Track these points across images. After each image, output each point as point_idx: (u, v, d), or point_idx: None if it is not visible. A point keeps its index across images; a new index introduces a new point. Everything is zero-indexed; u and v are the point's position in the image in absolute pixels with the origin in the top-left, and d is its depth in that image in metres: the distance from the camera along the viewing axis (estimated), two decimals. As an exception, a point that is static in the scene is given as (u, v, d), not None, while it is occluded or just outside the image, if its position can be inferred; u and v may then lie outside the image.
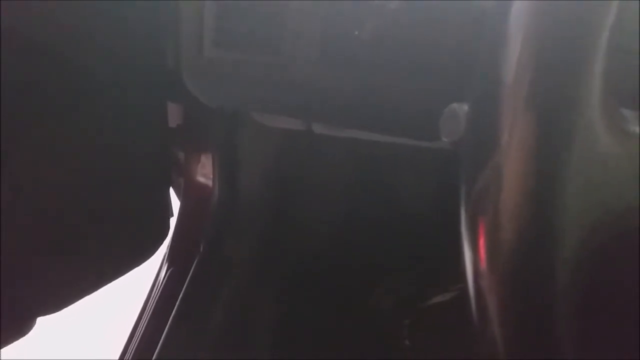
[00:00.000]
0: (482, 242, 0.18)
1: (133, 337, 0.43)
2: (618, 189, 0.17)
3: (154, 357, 0.40)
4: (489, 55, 0.18)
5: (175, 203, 0.46)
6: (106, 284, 0.37)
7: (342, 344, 0.43)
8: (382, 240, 0.43)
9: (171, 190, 0.46)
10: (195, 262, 0.43)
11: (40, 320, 0.37)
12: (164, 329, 0.42)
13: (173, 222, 0.46)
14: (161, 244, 0.41)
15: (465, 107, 0.18)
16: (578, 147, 0.17)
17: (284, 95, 0.33)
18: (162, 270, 0.44)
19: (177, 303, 0.42)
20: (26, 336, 0.36)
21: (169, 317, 0.42)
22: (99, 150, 0.37)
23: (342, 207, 0.44)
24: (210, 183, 0.44)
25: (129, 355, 0.42)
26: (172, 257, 0.44)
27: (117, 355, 0.43)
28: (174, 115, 0.43)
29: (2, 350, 0.36)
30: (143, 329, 0.43)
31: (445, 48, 0.25)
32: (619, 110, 0.18)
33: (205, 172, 0.44)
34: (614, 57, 0.17)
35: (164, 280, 0.44)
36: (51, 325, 0.41)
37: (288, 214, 0.44)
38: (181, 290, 0.43)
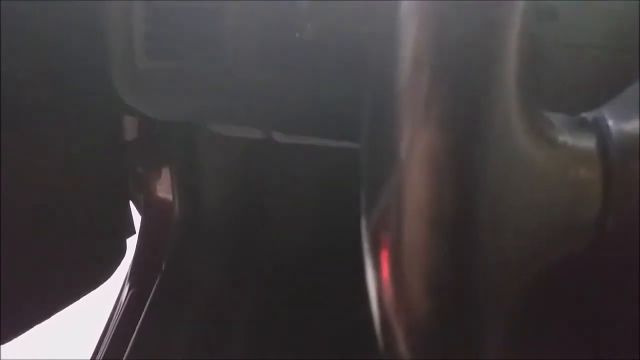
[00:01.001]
0: (385, 274, 0.15)
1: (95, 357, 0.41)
2: (548, 216, 0.14)
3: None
4: (381, 55, 0.15)
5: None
6: (56, 312, 0.36)
7: (319, 348, 0.41)
8: (354, 246, 0.41)
9: (133, 208, 0.44)
10: (156, 282, 0.41)
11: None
12: (126, 351, 0.40)
13: (134, 239, 0.44)
14: (118, 265, 0.39)
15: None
16: (493, 159, 0.14)
17: (228, 104, 0.31)
18: (123, 291, 0.42)
19: (138, 327, 0.40)
20: None
21: (130, 341, 0.40)
22: (46, 168, 0.35)
23: (311, 214, 0.42)
24: (170, 197, 0.42)
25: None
26: (133, 276, 0.42)
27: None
28: (130, 128, 0.41)
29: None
30: (105, 350, 0.41)
31: (348, 51, 0.22)
32: (545, 115, 0.15)
33: (165, 187, 0.42)
34: (536, 50, 0.15)
35: (126, 302, 0.42)
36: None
37: (253, 226, 0.42)
38: (142, 313, 0.41)
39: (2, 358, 0.36)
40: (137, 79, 0.29)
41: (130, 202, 0.43)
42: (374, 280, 0.15)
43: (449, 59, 0.14)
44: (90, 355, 0.41)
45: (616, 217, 0.14)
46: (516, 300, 0.15)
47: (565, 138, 0.15)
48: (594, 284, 0.19)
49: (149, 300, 0.41)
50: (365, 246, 0.15)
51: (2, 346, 0.35)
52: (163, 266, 0.42)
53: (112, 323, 0.41)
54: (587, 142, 0.15)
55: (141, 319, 0.40)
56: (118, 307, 0.42)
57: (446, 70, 0.14)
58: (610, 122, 0.15)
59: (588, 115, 0.16)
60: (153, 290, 0.41)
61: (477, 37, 0.14)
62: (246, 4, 0.28)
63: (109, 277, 0.39)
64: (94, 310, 0.42)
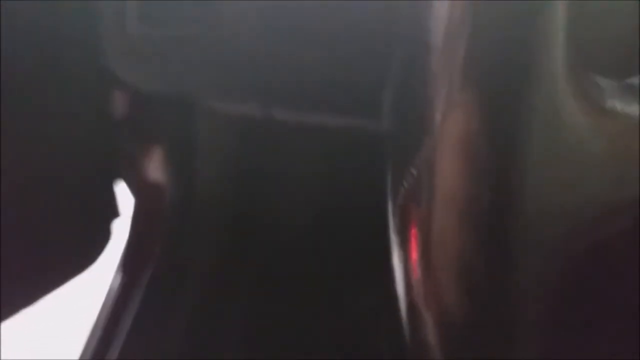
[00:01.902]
0: (414, 255, 0.14)
1: (86, 350, 0.41)
2: (590, 188, 0.14)
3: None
4: (413, 15, 0.14)
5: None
6: (42, 297, 0.35)
7: (315, 346, 0.41)
8: (356, 236, 0.40)
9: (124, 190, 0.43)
10: (150, 269, 0.40)
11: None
12: (119, 342, 0.39)
13: (127, 226, 0.43)
14: (103, 249, 0.38)
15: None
16: (537, 133, 0.13)
17: (226, 75, 0.30)
18: (115, 279, 0.42)
19: (133, 314, 0.40)
20: None
21: (124, 331, 0.39)
22: (26, 147, 0.34)
23: (311, 199, 0.41)
24: (164, 181, 0.41)
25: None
26: (125, 264, 0.41)
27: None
28: (120, 104, 0.40)
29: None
30: (96, 342, 0.40)
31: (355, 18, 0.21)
32: (594, 81, 0.14)
33: (158, 169, 0.41)
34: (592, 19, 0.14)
35: (118, 290, 0.41)
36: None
37: (251, 210, 0.41)
38: (136, 302, 0.40)
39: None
40: (128, 46, 0.28)
41: (117, 185, 0.42)
42: (401, 261, 0.14)
43: (489, 19, 0.13)
44: (83, 345, 0.41)
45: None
46: (554, 286, 0.14)
47: (615, 104, 0.14)
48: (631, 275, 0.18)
49: (143, 290, 0.40)
50: (393, 224, 0.14)
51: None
52: (157, 254, 0.41)
53: (104, 312, 0.40)
54: (634, 108, 0.14)
55: (135, 308, 0.40)
56: (110, 296, 0.41)
57: (485, 30, 0.13)
58: (664, 89, 0.14)
59: (634, 80, 0.15)
60: (147, 279, 0.40)
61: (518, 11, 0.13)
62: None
63: (94, 261, 0.38)
64: (86, 299, 0.41)
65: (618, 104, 0.14)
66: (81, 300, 0.41)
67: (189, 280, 0.40)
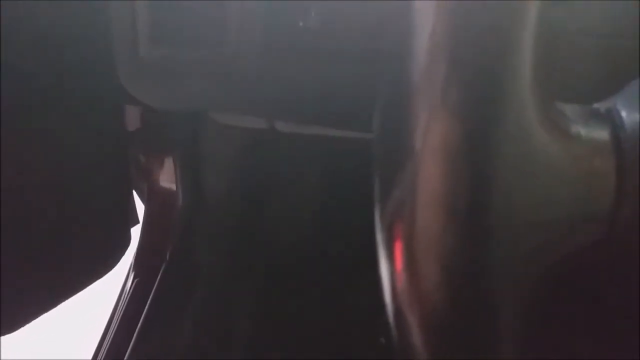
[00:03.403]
0: (399, 265, 0.15)
1: (100, 349, 0.42)
2: (558, 201, 0.14)
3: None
4: (396, 46, 0.15)
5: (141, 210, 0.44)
6: (62, 301, 0.36)
7: (319, 343, 0.41)
8: (358, 236, 0.41)
9: (137, 198, 0.44)
10: (161, 270, 0.41)
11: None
12: (131, 342, 0.40)
13: (139, 230, 0.44)
14: (122, 255, 0.39)
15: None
16: (508, 151, 0.14)
17: (233, 92, 0.31)
18: (128, 280, 0.43)
19: (144, 315, 0.41)
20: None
21: (136, 330, 0.40)
22: (50, 158, 0.35)
23: (315, 204, 0.42)
24: (174, 187, 0.42)
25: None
26: (138, 267, 0.42)
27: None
28: (133, 118, 0.41)
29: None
30: (109, 342, 0.41)
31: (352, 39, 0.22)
32: (559, 107, 0.15)
33: (168, 177, 0.42)
34: (550, 39, 0.15)
35: (130, 291, 0.42)
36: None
37: (258, 215, 0.42)
38: (147, 302, 0.41)
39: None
40: (141, 68, 0.29)
41: (134, 192, 0.43)
42: (388, 272, 0.15)
43: (466, 49, 0.14)
44: (96, 345, 0.42)
45: (630, 209, 0.14)
46: (531, 292, 0.15)
47: (579, 129, 0.15)
48: (606, 279, 0.19)
49: (153, 289, 0.41)
50: (379, 237, 0.15)
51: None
52: (167, 255, 0.42)
53: (118, 312, 0.41)
54: (601, 134, 0.15)
55: (146, 308, 0.41)
56: (123, 296, 0.42)
57: (462, 61, 0.14)
58: (624, 113, 0.15)
59: (600, 106, 0.16)
60: (158, 280, 0.41)
61: (493, 28, 0.13)
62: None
63: (114, 266, 0.39)
64: (99, 300, 0.42)
65: (582, 129, 0.15)
66: (94, 299, 0.42)
67: (197, 281, 0.41)
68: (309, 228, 0.41)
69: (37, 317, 0.36)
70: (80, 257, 0.37)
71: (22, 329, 0.36)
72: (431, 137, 0.14)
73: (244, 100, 0.32)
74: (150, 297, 0.41)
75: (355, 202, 0.42)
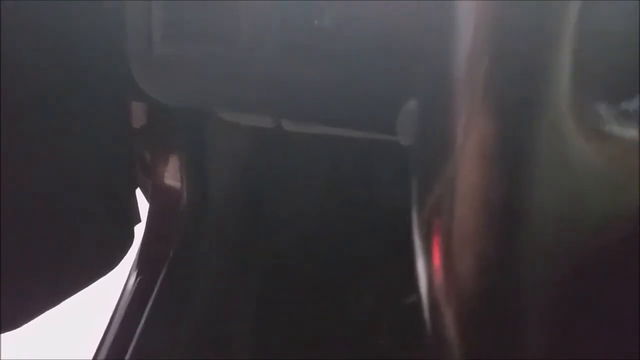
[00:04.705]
0: (436, 260, 0.16)
1: (101, 348, 0.41)
2: (592, 199, 0.15)
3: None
4: (438, 46, 0.15)
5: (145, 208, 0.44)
6: (64, 299, 0.36)
7: (321, 343, 0.42)
8: (361, 238, 0.41)
9: (140, 195, 0.44)
10: (164, 269, 0.41)
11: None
12: (133, 341, 0.40)
13: (142, 227, 0.44)
14: (126, 252, 0.39)
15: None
16: (544, 150, 0.15)
17: (246, 91, 0.31)
18: (130, 278, 0.42)
19: (147, 312, 0.40)
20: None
21: (138, 327, 0.40)
22: (54, 154, 0.35)
23: (319, 204, 0.42)
24: (179, 185, 0.42)
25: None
26: (141, 264, 0.42)
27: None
28: (139, 114, 0.41)
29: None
30: (111, 341, 0.41)
31: (398, 35, 0.22)
32: (592, 107, 0.16)
33: (173, 174, 0.42)
34: (588, 45, 0.15)
35: (133, 289, 0.42)
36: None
37: (262, 214, 0.42)
38: (151, 300, 0.41)
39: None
40: (154, 64, 0.29)
41: (138, 190, 0.43)
42: (425, 267, 0.16)
43: (507, 49, 0.14)
44: (98, 343, 0.41)
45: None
46: (561, 287, 0.16)
47: (612, 129, 0.15)
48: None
49: (156, 288, 0.41)
50: (417, 233, 0.16)
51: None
52: (171, 254, 0.42)
53: (120, 311, 0.41)
54: (632, 133, 0.15)
55: (149, 306, 0.40)
56: (125, 294, 0.42)
57: (504, 61, 0.14)
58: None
59: (629, 105, 0.16)
60: (160, 278, 0.41)
61: (534, 28, 0.14)
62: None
63: (117, 264, 0.39)
64: (101, 298, 0.42)
65: (615, 129, 0.15)
66: (96, 297, 0.42)
67: (201, 280, 0.41)
68: (315, 229, 0.42)
69: (38, 314, 0.36)
70: (82, 254, 0.37)
71: (23, 327, 0.36)
72: (471, 135, 0.15)
73: (256, 98, 0.32)
74: (153, 295, 0.41)
75: (361, 203, 0.42)
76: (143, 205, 0.45)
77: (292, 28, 0.28)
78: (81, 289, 0.38)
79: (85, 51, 0.34)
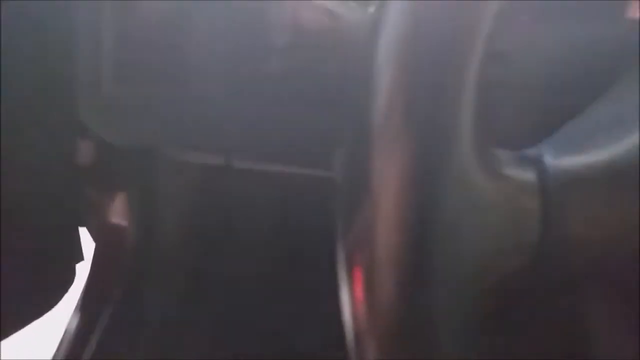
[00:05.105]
0: (358, 295, 0.18)
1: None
2: (497, 238, 0.18)
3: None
4: (358, 93, 0.18)
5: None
6: (1, 340, 0.35)
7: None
8: (318, 270, 0.43)
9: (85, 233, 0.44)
10: (110, 309, 0.42)
11: None
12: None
13: (86, 266, 0.44)
14: (65, 292, 0.39)
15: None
16: (452, 192, 0.17)
17: (192, 130, 0.33)
18: (73, 318, 0.43)
19: (90, 353, 0.41)
20: None
21: (80, 372, 0.40)
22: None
23: (272, 243, 0.43)
24: (125, 224, 0.42)
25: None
26: (84, 305, 0.43)
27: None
28: (85, 152, 0.42)
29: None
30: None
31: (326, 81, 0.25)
32: (493, 151, 0.18)
33: (119, 212, 0.43)
34: (488, 92, 0.18)
35: (76, 329, 0.42)
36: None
37: (212, 254, 0.43)
38: (93, 341, 0.41)
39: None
40: (103, 104, 0.30)
41: (81, 228, 0.44)
42: (349, 300, 0.18)
43: (417, 104, 0.17)
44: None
45: (553, 241, 0.18)
46: (474, 312, 0.18)
47: (511, 172, 0.18)
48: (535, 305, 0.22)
49: (100, 331, 0.41)
50: (341, 267, 0.18)
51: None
52: (116, 295, 0.42)
53: (61, 351, 0.41)
54: (529, 176, 0.18)
55: (92, 350, 0.41)
56: (67, 335, 0.42)
57: (414, 114, 0.17)
58: (549, 158, 0.18)
59: (530, 152, 0.19)
60: (105, 319, 0.41)
61: (439, 86, 0.17)
62: (215, 34, 0.30)
63: (56, 304, 0.39)
64: (41, 340, 0.42)
65: (513, 171, 0.18)
66: (38, 341, 0.41)
67: (148, 323, 0.42)
68: (267, 267, 0.43)
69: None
70: (19, 293, 0.37)
71: None
72: (386, 177, 0.17)
73: (204, 137, 0.34)
74: (96, 340, 0.41)
75: (313, 238, 0.44)
76: (88, 243, 0.45)
77: (241, 73, 0.31)
78: (15, 332, 0.37)
79: (31, 86, 0.35)
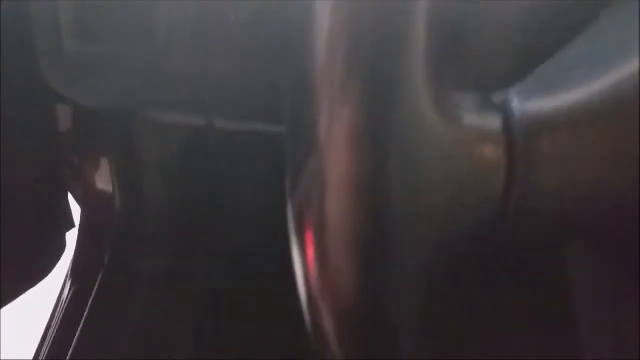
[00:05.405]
0: (310, 251, 0.17)
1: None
2: (458, 190, 0.16)
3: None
4: (299, 37, 0.17)
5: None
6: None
7: (264, 346, 0.43)
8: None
9: (73, 201, 0.44)
10: (100, 276, 0.42)
11: None
12: (69, 353, 0.41)
13: (75, 234, 0.44)
14: (57, 261, 0.40)
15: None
16: (405, 142, 0.16)
17: (166, 89, 0.32)
18: (65, 288, 0.43)
19: (82, 325, 0.41)
20: None
21: (73, 340, 0.41)
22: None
23: (258, 202, 0.43)
24: (111, 189, 0.42)
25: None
26: (75, 273, 0.43)
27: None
28: (65, 117, 0.42)
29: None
30: (46, 353, 0.41)
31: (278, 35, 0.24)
32: (453, 98, 0.17)
33: (104, 178, 0.43)
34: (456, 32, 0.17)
35: (68, 300, 0.42)
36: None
37: (199, 215, 0.43)
38: (86, 308, 0.41)
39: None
40: (65, 63, 0.30)
41: (70, 195, 0.44)
42: (300, 260, 0.17)
43: (360, 47, 0.15)
44: (32, 356, 0.42)
45: (519, 191, 0.16)
46: (433, 277, 0.17)
47: (472, 118, 0.17)
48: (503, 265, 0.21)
49: (92, 297, 0.42)
50: (291, 228, 0.17)
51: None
52: (106, 261, 0.42)
53: (54, 322, 0.42)
54: (493, 122, 0.17)
55: (84, 316, 0.41)
56: (60, 305, 0.43)
57: (358, 58, 0.15)
58: (515, 103, 0.17)
59: (497, 96, 0.18)
60: (96, 287, 0.42)
61: (384, 27, 0.15)
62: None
63: (49, 273, 0.40)
64: (34, 309, 0.42)
65: (475, 117, 0.16)
66: (30, 309, 0.42)
67: (139, 287, 0.42)
68: (253, 229, 0.43)
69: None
70: (10, 264, 0.38)
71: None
72: (334, 128, 0.16)
73: (178, 96, 0.33)
74: (89, 305, 0.42)
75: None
76: (77, 210, 0.45)
77: (208, 24, 0.29)
78: (9, 302, 0.38)
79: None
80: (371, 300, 0.16)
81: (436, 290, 0.17)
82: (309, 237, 0.16)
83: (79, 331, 0.41)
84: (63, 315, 0.41)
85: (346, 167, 0.16)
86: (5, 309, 0.38)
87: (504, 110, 0.17)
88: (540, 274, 0.22)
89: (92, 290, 0.42)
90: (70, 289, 0.42)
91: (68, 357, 0.40)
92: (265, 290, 0.41)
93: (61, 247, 0.40)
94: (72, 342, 0.41)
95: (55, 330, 0.41)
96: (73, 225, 0.43)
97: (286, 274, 0.44)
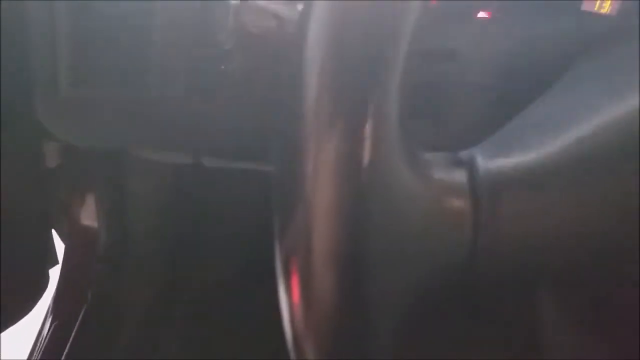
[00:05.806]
0: (295, 298, 0.19)
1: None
2: (429, 238, 0.19)
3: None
4: (288, 91, 0.19)
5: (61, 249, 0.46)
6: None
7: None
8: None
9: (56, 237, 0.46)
10: (82, 312, 0.43)
11: None
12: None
13: (58, 270, 0.45)
14: (39, 297, 0.41)
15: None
16: (381, 196, 0.18)
17: (157, 130, 0.34)
18: (45, 324, 0.44)
19: (63, 358, 0.42)
20: None
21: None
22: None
23: (242, 238, 0.45)
24: (96, 225, 0.44)
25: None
26: (56, 309, 0.44)
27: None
28: (53, 154, 0.43)
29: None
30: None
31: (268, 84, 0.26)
32: (425, 156, 0.19)
33: (89, 214, 0.44)
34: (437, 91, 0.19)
35: (48, 335, 0.43)
36: None
37: (184, 251, 0.45)
38: (67, 346, 0.43)
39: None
40: (61, 107, 0.32)
41: (53, 231, 0.45)
42: (286, 302, 0.19)
43: (341, 112, 0.18)
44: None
45: (485, 240, 0.19)
46: (409, 314, 0.19)
47: (440, 174, 0.19)
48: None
49: (73, 333, 0.43)
50: (278, 270, 0.19)
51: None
52: (89, 297, 0.44)
53: (34, 357, 0.43)
54: (460, 177, 0.19)
55: (65, 352, 0.42)
56: (40, 340, 0.44)
57: (340, 120, 0.18)
58: (480, 160, 0.19)
59: (463, 154, 0.20)
60: (78, 323, 0.43)
61: (364, 94, 0.18)
62: (173, 34, 0.31)
63: (31, 310, 0.41)
64: (14, 345, 0.43)
65: (443, 173, 0.19)
66: (10, 345, 0.43)
67: (122, 323, 0.43)
68: (237, 265, 0.44)
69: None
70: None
71: None
72: (317, 187, 0.18)
73: (169, 138, 0.35)
74: (70, 340, 0.43)
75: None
76: (60, 247, 0.47)
77: (200, 71, 0.32)
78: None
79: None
80: (355, 340, 0.18)
81: (413, 330, 0.20)
82: (295, 282, 0.18)
83: (60, 367, 0.42)
84: (43, 351, 0.42)
85: (330, 221, 0.18)
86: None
87: (469, 168, 0.19)
88: (507, 311, 0.24)
89: (74, 326, 0.43)
90: (51, 324, 0.43)
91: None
92: (251, 322, 0.43)
93: (44, 283, 0.42)
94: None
95: (35, 366, 0.42)
96: (56, 262, 0.44)
97: (272, 308, 0.46)
